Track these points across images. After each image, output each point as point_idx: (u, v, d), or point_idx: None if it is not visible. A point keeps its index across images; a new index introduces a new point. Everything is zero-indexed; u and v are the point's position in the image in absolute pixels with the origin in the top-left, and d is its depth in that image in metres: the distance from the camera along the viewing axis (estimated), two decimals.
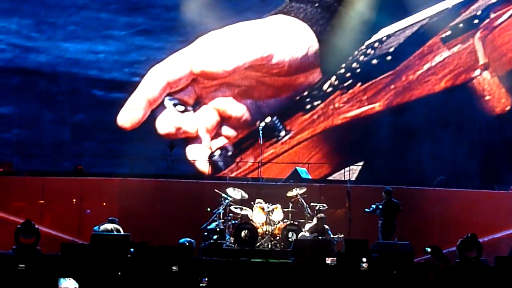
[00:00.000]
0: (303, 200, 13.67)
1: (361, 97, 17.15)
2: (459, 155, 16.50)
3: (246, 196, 13.73)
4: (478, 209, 14.61)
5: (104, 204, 14.56)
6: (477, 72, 16.86)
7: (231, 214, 13.44)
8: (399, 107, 17.27)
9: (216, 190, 13.66)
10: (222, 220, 13.40)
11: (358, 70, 17.08)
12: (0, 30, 16.85)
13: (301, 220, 13.52)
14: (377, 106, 17.08)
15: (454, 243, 10.71)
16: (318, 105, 17.02)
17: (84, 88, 16.89)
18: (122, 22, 17.13)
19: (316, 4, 16.68)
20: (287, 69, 16.73)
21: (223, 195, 13.53)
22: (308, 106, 16.98)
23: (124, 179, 14.76)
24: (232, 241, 13.11)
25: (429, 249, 6.51)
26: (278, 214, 13.43)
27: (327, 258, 10.65)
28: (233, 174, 16.59)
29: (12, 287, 7.61)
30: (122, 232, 12.05)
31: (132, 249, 10.42)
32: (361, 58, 17.10)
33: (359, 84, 17.04)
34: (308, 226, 13.41)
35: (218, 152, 16.55)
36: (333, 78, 17.00)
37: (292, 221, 13.41)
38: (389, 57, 17.03)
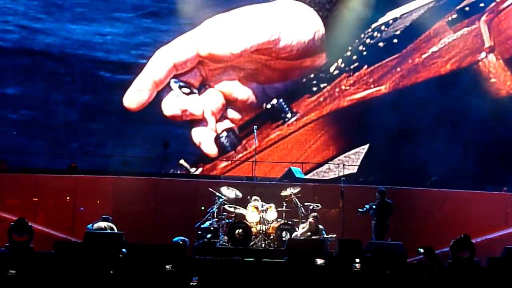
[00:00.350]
0: (297, 200, 13.68)
1: (367, 79, 17.20)
2: (453, 155, 16.42)
3: (240, 195, 13.77)
4: (471, 210, 14.62)
5: (98, 202, 14.54)
6: (483, 55, 16.89)
7: (225, 213, 13.49)
8: (406, 92, 17.15)
9: (210, 189, 13.67)
10: (216, 219, 13.44)
11: (365, 53, 17.12)
12: (7, 11, 16.76)
13: (295, 220, 13.56)
14: (383, 88, 17.10)
15: (447, 243, 10.76)
16: (324, 87, 17.07)
17: (91, 70, 16.89)
18: (130, 4, 17.11)
19: None
20: (293, 53, 16.71)
21: (217, 194, 13.54)
22: (315, 89, 17.02)
23: (118, 177, 14.84)
24: (225, 240, 13.16)
25: (421, 250, 6.64)
26: (272, 213, 13.47)
27: (317, 260, 10.62)
28: (240, 155, 16.63)
29: (5, 285, 7.65)
30: (115, 230, 12.10)
31: (124, 250, 10.44)
32: (368, 41, 17.16)
33: (365, 66, 17.10)
34: (302, 226, 13.41)
35: (225, 133, 16.56)
36: (340, 60, 17.03)
37: (286, 221, 13.44)
38: (395, 40, 17.06)
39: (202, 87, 16.59)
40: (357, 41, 17.13)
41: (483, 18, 16.94)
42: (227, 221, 13.32)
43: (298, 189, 13.67)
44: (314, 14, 16.68)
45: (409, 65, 17.17)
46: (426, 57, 17.14)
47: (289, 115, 16.92)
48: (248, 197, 13.71)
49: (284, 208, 13.50)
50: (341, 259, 10.83)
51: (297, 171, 15.44)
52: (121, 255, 10.20)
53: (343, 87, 17.18)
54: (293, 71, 17.06)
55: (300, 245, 11.96)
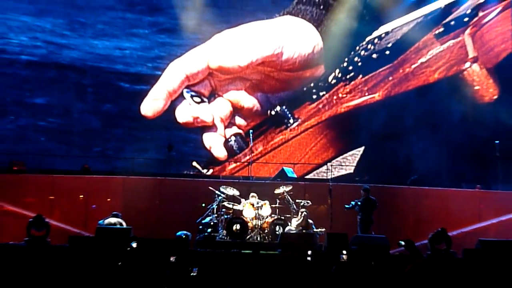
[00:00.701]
0: (289, 197, 13.89)
1: (362, 88, 17.46)
2: (431, 156, 16.28)
3: (237, 193, 14.00)
4: (448, 206, 14.77)
5: (108, 200, 14.79)
6: (467, 64, 17.21)
7: (223, 210, 13.65)
8: (398, 100, 17.40)
9: (210, 188, 13.86)
10: (216, 215, 13.60)
11: (360, 64, 17.41)
12: (36, 28, 17.07)
13: (287, 215, 13.75)
14: (377, 96, 17.40)
15: (425, 236, 10.85)
16: (323, 95, 17.39)
17: (112, 81, 17.19)
18: (146, 21, 17.52)
19: (321, 7, 16.92)
20: (295, 65, 16.85)
21: (217, 192, 13.74)
22: (314, 96, 17.32)
23: (127, 177, 15.02)
24: (224, 234, 13.28)
25: (403, 242, 6.67)
26: (266, 209, 13.72)
27: (308, 252, 10.54)
28: (247, 157, 16.74)
29: (23, 276, 7.19)
30: (124, 226, 12.24)
31: (134, 244, 10.35)
32: (362, 53, 17.41)
33: (360, 76, 17.42)
34: (294, 221, 13.62)
35: (233, 138, 16.83)
36: (337, 71, 17.33)
37: (279, 216, 13.64)
38: (387, 52, 17.38)
39: (212, 96, 16.81)
40: (352, 53, 17.36)
41: (467, 31, 17.29)
42: (225, 216, 13.55)
43: (290, 187, 13.96)
44: (313, 30, 16.86)
45: (400, 75, 17.48)
46: (416, 67, 17.44)
47: (291, 120, 17.27)
48: (245, 197, 14.00)
49: (277, 205, 13.76)
50: (329, 251, 11.01)
51: (289, 171, 15.75)
52: (129, 248, 10.21)
53: (340, 95, 17.48)
54: (295, 81, 17.14)
55: (292, 239, 12.16)
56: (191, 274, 7.90)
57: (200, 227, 13.30)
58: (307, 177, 16.87)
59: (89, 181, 15.06)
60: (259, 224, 13.53)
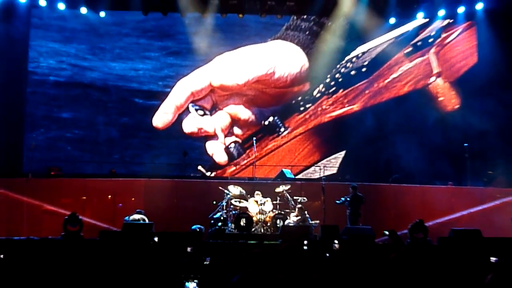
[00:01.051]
0: (288, 195, 14.23)
1: (342, 100, 17.85)
2: (410, 156, 16.22)
3: (243, 192, 14.30)
4: (424, 200, 14.99)
5: (133, 199, 15.03)
6: (432, 79, 17.68)
7: (231, 206, 13.91)
8: (373, 110, 17.71)
9: (220, 187, 14.20)
10: (225, 211, 13.79)
11: (340, 80, 17.81)
12: (62, 53, 17.43)
13: (287, 210, 14.02)
14: (355, 107, 17.80)
15: (406, 227, 10.99)
16: (309, 107, 17.78)
17: (128, 97, 17.45)
18: (156, 46, 17.74)
19: (307, 32, 17.37)
20: (285, 83, 17.12)
21: (225, 191, 14.08)
22: (302, 108, 17.73)
23: (148, 179, 15.16)
24: (233, 227, 13.40)
25: (387, 232, 6.73)
26: (268, 205, 14.01)
27: (304, 241, 10.55)
28: (244, 162, 17.11)
29: (60, 265, 6.85)
30: (147, 221, 12.40)
31: (156, 238, 10.38)
32: (343, 70, 17.80)
33: (341, 90, 17.82)
34: (292, 215, 13.82)
35: (233, 145, 17.14)
36: (321, 86, 17.76)
37: (279, 211, 13.89)
38: (364, 69, 17.87)
39: (213, 109, 17.09)
40: (334, 70, 17.74)
41: (432, 50, 17.79)
42: (233, 212, 13.81)
43: (288, 186, 14.35)
44: (300, 52, 17.34)
45: (375, 88, 17.86)
46: (388, 81, 17.82)
47: (282, 129, 17.59)
48: (250, 196, 14.32)
49: (278, 201, 14.10)
50: (323, 241, 11.20)
51: (288, 172, 16.01)
52: (151, 242, 10.23)
53: (324, 107, 17.81)
54: (285, 96, 17.54)
55: (291, 230, 12.30)
56: (205, 262, 8.01)
57: (212, 221, 13.50)
58: (296, 177, 16.86)
59: (115, 183, 15.29)
60: (263, 218, 13.83)
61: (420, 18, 17.55)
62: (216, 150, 17.14)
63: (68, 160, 16.78)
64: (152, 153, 17.14)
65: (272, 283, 3.22)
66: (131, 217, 12.57)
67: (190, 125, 16.98)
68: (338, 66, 17.98)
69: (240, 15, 16.97)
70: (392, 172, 16.42)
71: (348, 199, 14.08)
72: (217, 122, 17.15)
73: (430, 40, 18.01)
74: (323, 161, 17.60)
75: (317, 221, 13.83)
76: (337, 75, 17.99)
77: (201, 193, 15.15)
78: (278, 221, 13.76)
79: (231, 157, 17.35)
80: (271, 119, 17.59)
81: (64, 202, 14.70)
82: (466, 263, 7.41)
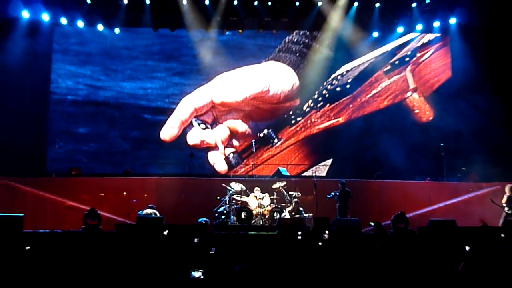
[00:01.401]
0: (284, 190, 14.63)
1: (329, 114, 18.23)
2: (393, 155, 16.47)
3: (244, 188, 14.66)
4: (405, 194, 15.31)
5: (146, 195, 15.27)
6: (409, 94, 18.22)
7: (234, 201, 14.29)
8: (357, 122, 18.04)
9: (223, 184, 14.65)
10: (228, 205, 14.18)
11: (327, 95, 18.23)
12: (79, 75, 17.90)
13: (283, 204, 14.44)
14: (341, 119, 18.20)
15: (389, 218, 10.30)
16: (300, 120, 18.08)
17: (138, 114, 17.77)
18: (163, 67, 18.12)
19: (297, 54, 17.89)
20: (279, 99, 17.53)
21: (228, 187, 14.49)
22: (293, 121, 18.08)
23: (159, 178, 15.52)
24: (235, 220, 13.76)
25: (372, 223, 6.86)
26: (266, 200, 14.39)
27: (299, 232, 10.48)
28: (242, 170, 17.43)
29: (81, 256, 7.01)
30: (158, 215, 12.52)
31: (166, 230, 10.25)
32: (329, 87, 18.25)
33: (328, 105, 18.22)
34: (288, 208, 14.19)
35: (232, 155, 17.63)
36: (310, 101, 18.16)
37: (276, 205, 14.30)
38: (348, 86, 18.29)
39: (214, 123, 17.49)
40: (321, 87, 18.17)
41: (408, 68, 18.39)
42: (235, 206, 14.15)
43: (284, 183, 14.81)
44: (292, 72, 17.83)
45: (358, 103, 18.25)
46: (370, 96, 18.27)
47: (275, 140, 17.91)
48: (250, 192, 14.58)
49: (275, 196, 14.51)
50: (315, 232, 11.22)
51: (283, 171, 16.65)
52: (162, 235, 10.15)
53: (312, 120, 18.12)
54: (278, 111, 17.89)
55: (287, 222, 12.36)
56: (210, 252, 8.14)
57: (216, 214, 13.92)
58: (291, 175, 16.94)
59: (130, 181, 15.63)
60: (261, 212, 14.19)
61: (400, 31, 17.98)
62: (217, 160, 17.50)
63: (87, 172, 16.93)
64: (159, 162, 17.37)
65: (271, 272, 3.25)
66: (144, 212, 12.68)
67: (194, 137, 17.39)
68: (324, 83, 18.30)
69: (240, 31, 17.43)
70: (376, 169, 16.52)
71: (338, 193, 14.38)
72: (217, 134, 17.50)
73: (407, 59, 18.51)
74: (313, 168, 17.86)
75: (310, 214, 14.11)
76: (324, 92, 18.26)
77: (206, 189, 15.36)
78: (275, 214, 14.03)
79: (230, 166, 17.68)
80: (265, 131, 17.86)
81: (84, 198, 14.99)
82: (443, 251, 7.48)
